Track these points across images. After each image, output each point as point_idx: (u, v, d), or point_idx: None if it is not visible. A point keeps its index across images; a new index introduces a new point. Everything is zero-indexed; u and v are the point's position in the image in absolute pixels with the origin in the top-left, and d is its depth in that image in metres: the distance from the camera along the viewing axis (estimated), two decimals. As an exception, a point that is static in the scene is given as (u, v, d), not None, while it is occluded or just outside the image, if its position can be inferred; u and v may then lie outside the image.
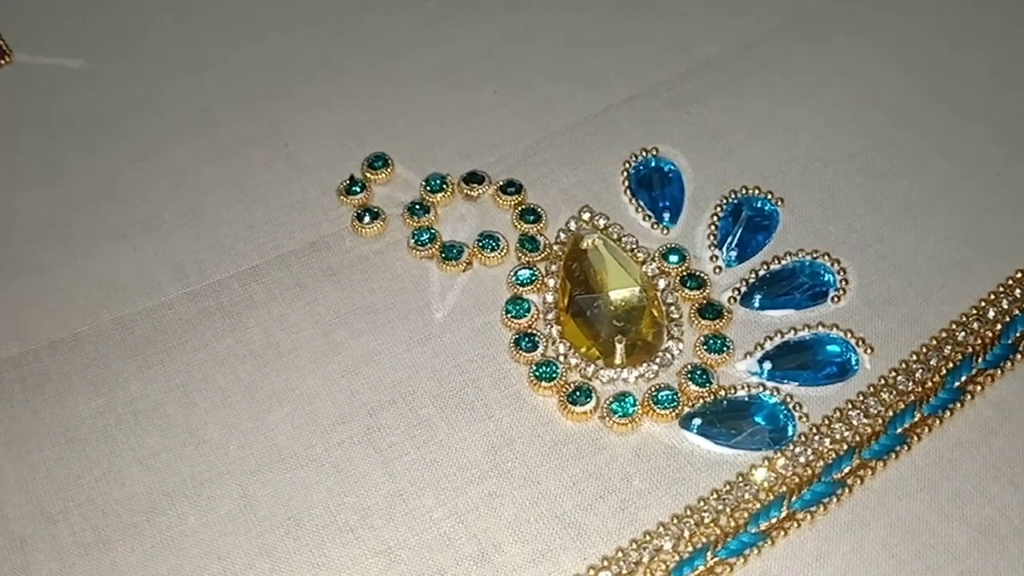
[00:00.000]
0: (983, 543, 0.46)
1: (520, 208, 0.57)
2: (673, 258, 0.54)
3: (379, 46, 0.67)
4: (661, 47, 0.66)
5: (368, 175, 0.59)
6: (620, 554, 0.46)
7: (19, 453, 0.49)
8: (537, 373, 0.50)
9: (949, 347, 0.51)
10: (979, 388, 0.50)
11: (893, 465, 0.48)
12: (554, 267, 0.54)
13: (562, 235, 0.56)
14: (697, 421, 0.49)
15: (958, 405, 0.50)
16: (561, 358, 0.51)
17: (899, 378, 0.50)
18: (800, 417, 0.49)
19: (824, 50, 0.65)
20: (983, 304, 0.53)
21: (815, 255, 0.55)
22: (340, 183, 0.58)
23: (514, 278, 0.54)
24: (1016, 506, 0.47)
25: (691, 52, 0.65)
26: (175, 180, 0.60)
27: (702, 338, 0.52)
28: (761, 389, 0.50)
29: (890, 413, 0.49)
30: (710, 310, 0.53)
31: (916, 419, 0.49)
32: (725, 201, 0.57)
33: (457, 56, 0.66)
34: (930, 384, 0.50)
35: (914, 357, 0.51)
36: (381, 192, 0.59)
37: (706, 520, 0.46)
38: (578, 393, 0.50)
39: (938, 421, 0.49)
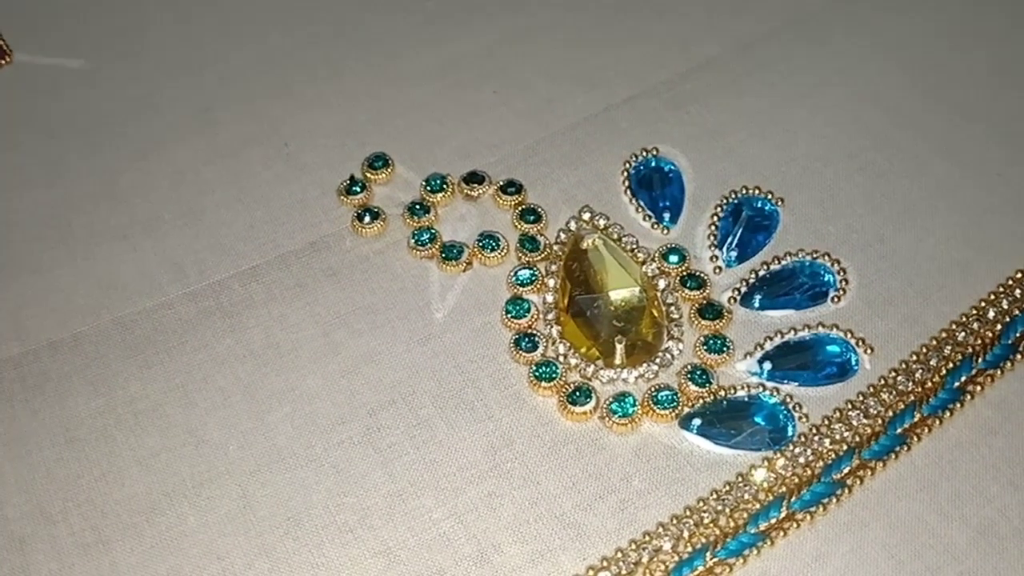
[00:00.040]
0: (983, 543, 0.46)
1: (520, 208, 0.57)
2: (673, 258, 0.54)
3: (379, 46, 0.67)
4: (661, 47, 0.66)
5: (368, 175, 0.59)
6: (619, 554, 0.46)
7: (19, 453, 0.49)
8: (537, 373, 0.50)
9: (949, 347, 0.51)
10: (979, 388, 0.50)
11: (893, 465, 0.48)
12: (554, 267, 0.54)
13: (562, 235, 0.56)
14: (697, 421, 0.49)
15: (958, 405, 0.49)
16: (561, 358, 0.51)
17: (899, 378, 0.50)
18: (800, 417, 0.49)
19: (824, 50, 0.65)
20: (983, 304, 0.53)
21: (815, 255, 0.55)
22: (340, 183, 0.58)
23: (514, 278, 0.54)
24: (1016, 506, 0.47)
25: (691, 52, 0.65)
26: (175, 180, 0.60)
27: (702, 338, 0.52)
28: (761, 389, 0.50)
29: (890, 413, 0.49)
30: (710, 310, 0.53)
31: (916, 419, 0.49)
32: (725, 201, 0.57)
33: (457, 56, 0.66)
34: (930, 384, 0.50)
35: (914, 357, 0.51)
36: (381, 192, 0.59)
37: (705, 520, 0.46)
38: (578, 393, 0.50)
39: (938, 421, 0.49)
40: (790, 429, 0.49)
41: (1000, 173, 0.58)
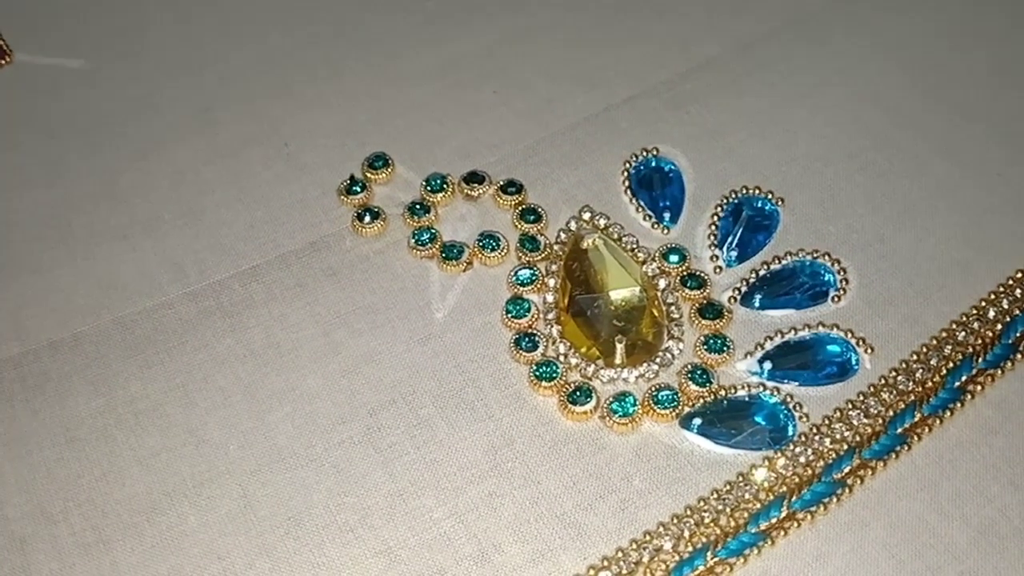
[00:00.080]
0: (983, 543, 0.46)
1: (520, 208, 0.57)
2: (673, 258, 0.54)
3: (379, 46, 0.67)
4: (661, 47, 0.66)
5: (368, 175, 0.59)
6: (620, 554, 0.46)
7: (19, 453, 0.49)
8: (537, 373, 0.50)
9: (949, 347, 0.51)
10: (979, 388, 0.50)
11: (893, 465, 0.48)
12: (554, 267, 0.54)
13: (562, 235, 0.56)
14: (697, 421, 0.49)
15: (958, 405, 0.49)
16: (561, 358, 0.51)
17: (899, 378, 0.50)
18: (800, 417, 0.49)
19: (824, 50, 0.65)
20: (983, 304, 0.53)
21: (815, 255, 0.55)
22: (340, 183, 0.58)
23: (514, 278, 0.54)
24: (1016, 506, 0.47)
25: (691, 52, 0.65)
26: (175, 180, 0.60)
27: (702, 338, 0.52)
28: (761, 389, 0.50)
29: (890, 413, 0.49)
30: (710, 310, 0.53)
31: (916, 419, 0.49)
32: (725, 201, 0.57)
33: (457, 56, 0.66)
34: (930, 384, 0.50)
35: (914, 357, 0.51)
36: (381, 192, 0.59)
37: (706, 520, 0.46)
38: (578, 393, 0.50)
39: (938, 421, 0.49)
40: (790, 429, 0.49)
41: (1000, 173, 0.58)
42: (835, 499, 0.47)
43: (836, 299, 0.53)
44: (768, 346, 0.52)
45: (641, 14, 0.68)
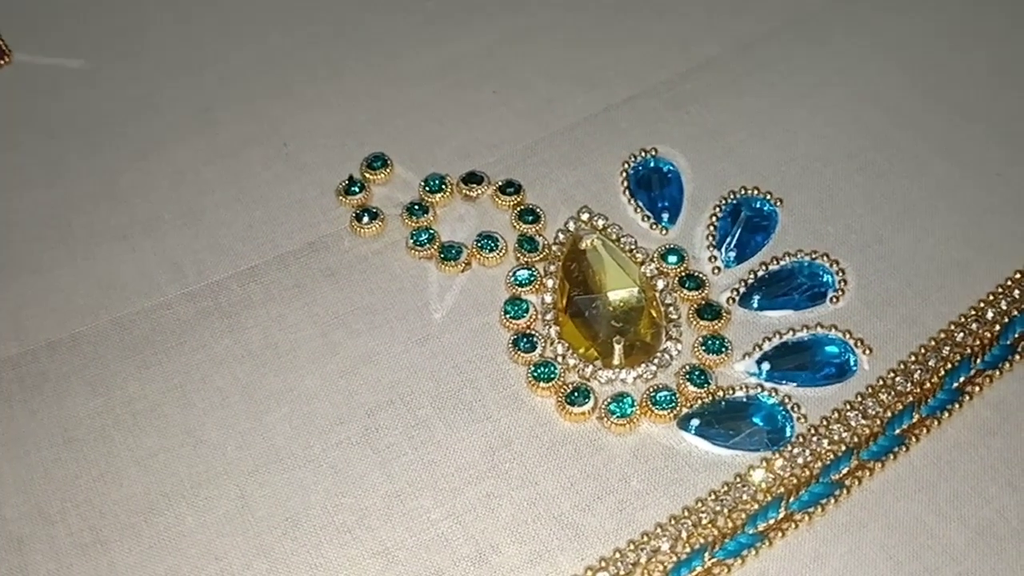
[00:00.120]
0: (981, 544, 0.46)
1: (519, 208, 0.57)
2: (672, 259, 0.54)
3: (379, 46, 0.67)
4: (661, 47, 0.66)
5: (367, 175, 0.59)
6: (618, 555, 0.46)
7: (17, 453, 0.49)
8: (535, 374, 0.50)
9: (948, 348, 0.51)
10: (977, 389, 0.50)
11: (891, 466, 0.48)
12: (553, 268, 0.54)
13: (561, 235, 0.55)
14: (695, 422, 0.49)
15: (956, 406, 0.49)
16: (559, 359, 0.51)
17: (897, 379, 0.50)
18: (798, 418, 0.49)
19: (824, 50, 0.65)
20: (982, 305, 0.53)
21: (814, 256, 0.55)
22: (339, 183, 0.58)
23: (513, 278, 0.54)
24: (1014, 507, 0.47)
25: (691, 52, 0.65)
26: (175, 180, 0.60)
27: (700, 339, 0.52)
28: (759, 390, 0.50)
29: (888, 414, 0.49)
30: (709, 311, 0.53)
31: (914, 420, 0.49)
32: (724, 201, 0.57)
33: (457, 56, 0.66)
34: (928, 385, 0.50)
35: (913, 358, 0.51)
36: (380, 192, 0.59)
37: (704, 521, 0.46)
38: (576, 394, 0.50)
39: (936, 422, 0.49)
40: (788, 430, 0.49)
41: (1000, 173, 0.58)
42: (833, 500, 0.47)
43: (834, 300, 0.53)
44: (766, 347, 0.52)
45: (641, 14, 0.68)
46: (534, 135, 0.61)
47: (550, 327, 0.52)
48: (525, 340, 0.52)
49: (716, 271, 0.55)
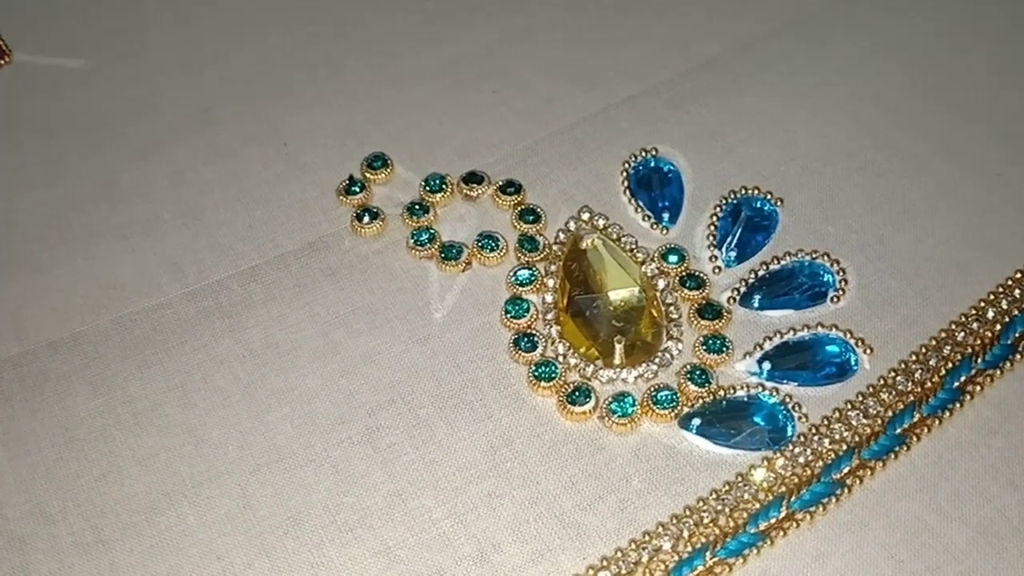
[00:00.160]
0: (982, 543, 0.46)
1: (519, 208, 0.57)
2: (672, 258, 0.54)
3: (379, 46, 0.67)
4: (661, 47, 0.66)
5: (367, 175, 0.59)
6: (619, 554, 0.46)
7: (18, 453, 0.49)
8: (536, 373, 0.50)
9: (948, 347, 0.51)
10: (978, 388, 0.50)
11: (892, 465, 0.48)
12: (553, 267, 0.54)
13: (561, 235, 0.55)
14: (696, 421, 0.49)
15: (957, 405, 0.49)
16: (560, 358, 0.51)
17: (898, 378, 0.50)
18: (799, 417, 0.49)
19: (824, 50, 0.65)
20: (982, 304, 0.53)
21: (814, 255, 0.55)
22: (339, 183, 0.58)
23: (513, 278, 0.54)
24: (1015, 506, 0.47)
25: (691, 52, 0.65)
26: (175, 180, 0.60)
27: (701, 338, 0.52)
28: (760, 389, 0.50)
29: (889, 413, 0.49)
30: (709, 310, 0.53)
31: (915, 419, 0.49)
32: (724, 201, 0.57)
33: (457, 56, 0.66)
34: (929, 384, 0.50)
35: (913, 357, 0.51)
36: (380, 192, 0.59)
37: (705, 520, 0.46)
38: (577, 393, 0.50)
39: (937, 421, 0.49)
40: (789, 429, 0.49)
41: (1000, 173, 0.58)
42: (834, 499, 0.47)
43: (835, 299, 0.53)
44: (767, 346, 0.52)
45: (641, 14, 0.68)
46: (534, 135, 0.61)
47: (551, 327, 0.52)
48: (526, 340, 0.52)
49: (717, 271, 0.55)
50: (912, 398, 0.50)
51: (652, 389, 0.50)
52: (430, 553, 0.46)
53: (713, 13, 0.68)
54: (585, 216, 0.56)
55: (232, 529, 0.47)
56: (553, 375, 0.50)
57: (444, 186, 0.58)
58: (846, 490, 0.47)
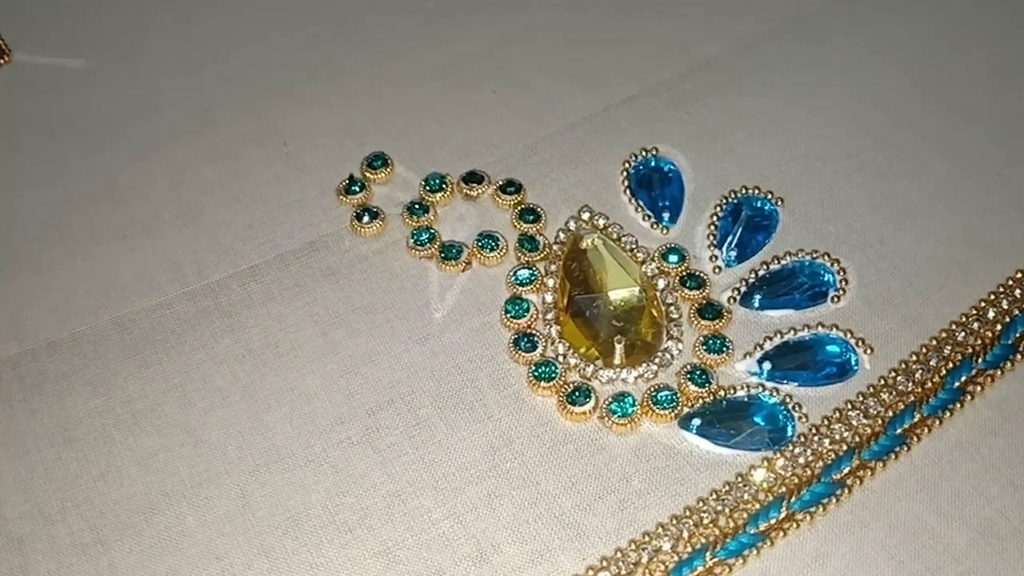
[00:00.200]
0: (983, 544, 0.46)
1: (519, 208, 0.57)
2: (673, 258, 0.54)
3: (379, 46, 0.67)
4: (661, 47, 0.66)
5: (367, 175, 0.59)
6: (619, 554, 0.46)
7: (17, 453, 0.49)
8: (536, 373, 0.50)
9: (949, 347, 0.51)
10: (979, 389, 0.50)
11: (893, 466, 0.48)
12: (553, 267, 0.54)
13: (561, 235, 0.55)
14: (696, 421, 0.49)
15: (958, 406, 0.49)
16: (560, 358, 0.51)
17: (899, 378, 0.50)
18: (799, 417, 0.49)
19: (824, 50, 0.65)
20: (983, 304, 0.53)
21: (815, 255, 0.54)
22: (339, 183, 0.58)
23: (513, 278, 0.54)
24: (1016, 507, 0.47)
25: (691, 52, 0.65)
26: (175, 180, 0.60)
27: (701, 338, 0.52)
28: (760, 389, 0.50)
29: (890, 414, 0.49)
30: (710, 310, 0.52)
31: (916, 420, 0.49)
32: (725, 201, 0.57)
33: (457, 56, 0.66)
34: (930, 384, 0.50)
35: (914, 357, 0.51)
36: (380, 192, 0.59)
37: (705, 521, 0.46)
38: (577, 393, 0.50)
39: (938, 422, 0.49)
40: (790, 429, 0.49)
41: (1000, 173, 0.58)
42: (834, 500, 0.47)
43: (835, 299, 0.53)
44: (767, 346, 0.52)
45: (641, 14, 0.68)
46: (534, 135, 0.61)
47: (551, 326, 0.52)
48: (526, 340, 0.52)
49: (717, 270, 0.55)
50: (912, 398, 0.50)
51: (652, 389, 0.50)
52: (429, 553, 0.46)
53: (713, 13, 0.68)
54: (585, 216, 0.56)
55: (231, 529, 0.47)
56: (553, 375, 0.50)
57: (444, 186, 0.58)
58: (846, 490, 0.47)
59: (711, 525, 0.46)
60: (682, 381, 0.50)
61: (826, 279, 0.54)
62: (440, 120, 0.62)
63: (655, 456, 0.49)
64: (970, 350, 0.51)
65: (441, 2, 0.69)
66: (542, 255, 0.55)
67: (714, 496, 0.47)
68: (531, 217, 0.56)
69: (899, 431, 0.49)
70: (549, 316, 0.52)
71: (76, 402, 0.50)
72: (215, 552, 0.46)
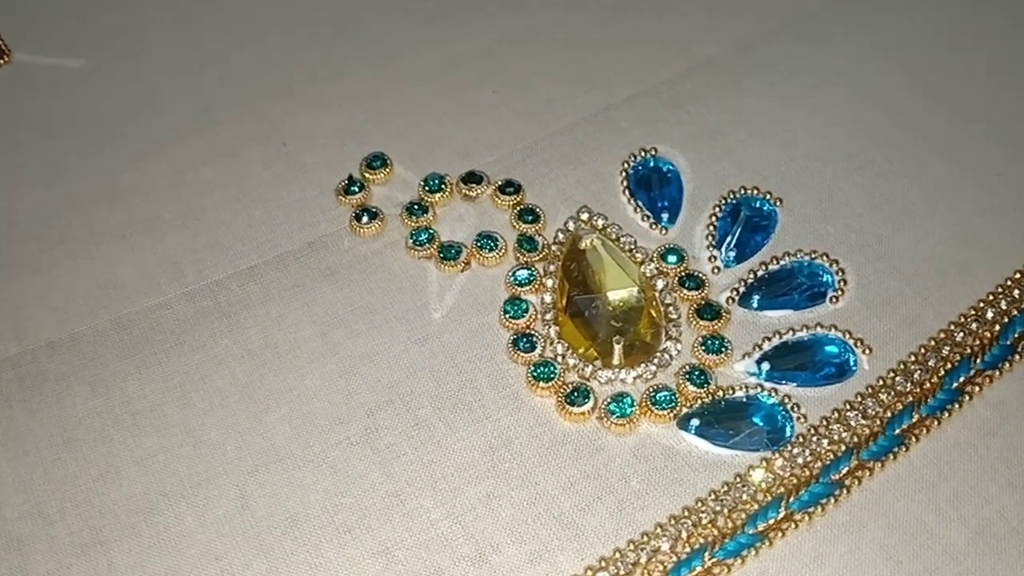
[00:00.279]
0: (981, 544, 0.46)
1: (519, 208, 0.57)
2: (671, 258, 0.54)
3: (379, 46, 0.67)
4: (661, 47, 0.66)
5: (367, 175, 0.59)
6: (617, 555, 0.46)
7: (17, 453, 0.49)
8: (535, 373, 0.50)
9: (947, 348, 0.51)
10: (977, 389, 0.50)
11: (891, 466, 0.48)
12: (552, 267, 0.54)
13: (560, 235, 0.55)
14: (695, 422, 0.49)
15: (956, 406, 0.49)
16: (559, 358, 0.51)
17: (897, 379, 0.50)
18: (798, 418, 0.49)
19: (824, 50, 0.65)
20: (982, 305, 0.53)
21: (814, 255, 0.54)
22: (339, 183, 0.58)
23: (512, 278, 0.54)
24: (1014, 507, 0.47)
25: (691, 52, 0.65)
26: (174, 180, 0.60)
27: (700, 339, 0.52)
28: (759, 390, 0.50)
29: (888, 414, 0.49)
30: (708, 310, 0.52)
31: (914, 420, 0.49)
32: (724, 201, 0.57)
33: (457, 56, 0.66)
34: (928, 385, 0.50)
35: (912, 358, 0.51)
36: (380, 192, 0.59)
37: (703, 521, 0.46)
38: (576, 394, 0.50)
39: (936, 422, 0.49)
40: (788, 430, 0.49)
41: (1000, 173, 0.58)
42: (833, 500, 0.47)
43: (834, 300, 0.53)
44: (766, 347, 0.52)
45: (641, 14, 0.68)
46: (534, 135, 0.61)
47: (550, 327, 0.52)
48: (525, 340, 0.52)
49: (716, 271, 0.55)
50: (911, 399, 0.50)
51: (651, 389, 0.50)
52: (428, 554, 0.46)
53: (713, 13, 0.68)
54: (584, 216, 0.56)
55: (230, 530, 0.47)
56: (552, 375, 0.50)
57: (443, 186, 0.58)
58: (845, 491, 0.47)
59: (710, 525, 0.46)
60: (681, 381, 0.50)
61: (825, 279, 0.54)
62: (440, 120, 0.62)
63: (654, 456, 0.49)
64: (969, 351, 0.51)
65: (441, 2, 0.69)
66: (541, 255, 0.55)
67: (713, 496, 0.47)
68: (530, 217, 0.56)
69: (898, 432, 0.49)
70: (548, 316, 0.52)
71: (75, 402, 0.50)
72: (214, 552, 0.46)
